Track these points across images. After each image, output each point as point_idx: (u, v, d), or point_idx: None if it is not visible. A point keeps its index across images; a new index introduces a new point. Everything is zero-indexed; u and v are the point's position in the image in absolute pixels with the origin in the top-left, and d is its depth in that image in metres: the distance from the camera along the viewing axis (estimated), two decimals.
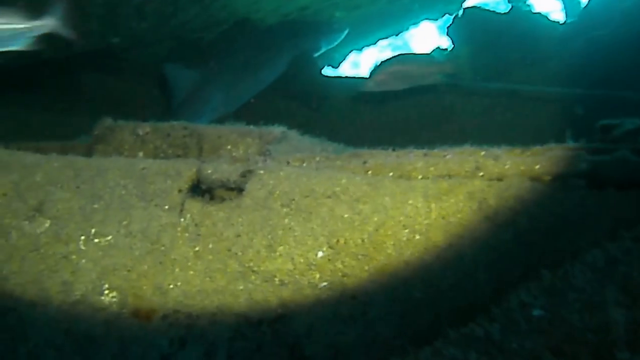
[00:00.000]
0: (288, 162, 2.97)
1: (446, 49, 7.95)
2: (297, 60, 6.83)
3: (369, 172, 2.75)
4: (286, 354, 2.50)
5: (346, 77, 8.23)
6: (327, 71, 9.01)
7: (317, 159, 2.94)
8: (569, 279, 1.81)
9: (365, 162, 2.76)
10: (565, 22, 8.34)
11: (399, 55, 6.44)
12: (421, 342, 1.98)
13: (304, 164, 2.94)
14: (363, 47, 9.83)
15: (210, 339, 2.57)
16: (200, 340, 2.57)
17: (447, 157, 2.70)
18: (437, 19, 9.87)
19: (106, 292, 2.64)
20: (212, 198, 2.84)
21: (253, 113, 6.47)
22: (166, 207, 2.78)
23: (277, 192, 2.71)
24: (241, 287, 2.61)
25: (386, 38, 9.98)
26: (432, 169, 2.66)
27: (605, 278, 1.78)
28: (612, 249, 1.89)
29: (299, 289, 2.55)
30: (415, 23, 9.76)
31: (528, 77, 7.15)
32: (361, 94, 6.72)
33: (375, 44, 9.77)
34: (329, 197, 2.64)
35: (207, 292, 2.62)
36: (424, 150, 2.79)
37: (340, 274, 2.54)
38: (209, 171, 2.85)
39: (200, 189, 2.86)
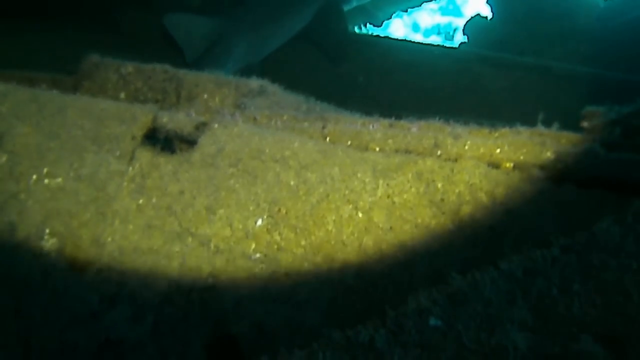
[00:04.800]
0: (255, 118, 2.75)
1: (486, 17, 7.60)
2: (322, 11, 6.48)
3: (327, 138, 2.51)
4: (210, 328, 2.32)
5: (381, 36, 7.86)
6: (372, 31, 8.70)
7: (285, 118, 2.71)
8: (478, 286, 1.54)
9: (324, 127, 2.51)
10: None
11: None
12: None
13: (271, 122, 2.71)
14: (408, 9, 9.40)
15: (140, 302, 2.42)
16: (130, 301, 2.42)
17: (412, 130, 2.42)
18: None
19: (47, 237, 2.51)
20: (167, 147, 2.66)
21: (279, 65, 6.30)
22: (117, 153, 2.63)
23: (227, 149, 2.51)
24: (177, 250, 2.43)
25: (432, 1, 9.54)
26: (390, 141, 2.41)
27: (518, 291, 1.51)
28: (536, 258, 1.61)
29: (232, 259, 2.36)
30: None
31: (561, 54, 6.73)
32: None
33: (420, 6, 9.33)
34: (277, 161, 2.43)
35: (143, 251, 2.47)
36: (390, 120, 2.53)
37: (276, 246, 2.33)
38: (165, 120, 2.67)
39: (154, 137, 2.68)
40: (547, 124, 2.54)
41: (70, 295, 2.47)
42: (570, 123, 2.59)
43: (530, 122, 2.60)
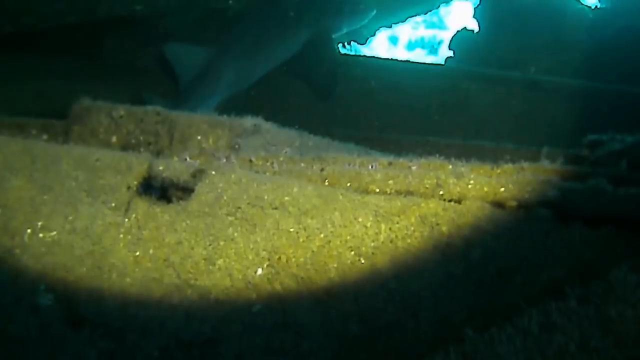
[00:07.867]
0: (251, 161, 2.70)
1: (472, 30, 7.59)
2: (312, 40, 6.46)
3: (326, 181, 2.46)
4: None
5: (367, 56, 7.84)
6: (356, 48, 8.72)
7: (281, 159, 2.66)
8: (494, 344, 1.49)
9: (322, 170, 2.46)
10: (596, 7, 7.76)
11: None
12: None
13: (268, 164, 2.67)
14: (392, 24, 9.39)
15: (139, 357, 2.36)
16: (129, 356, 2.36)
17: (412, 169, 2.38)
18: None
19: (43, 293, 2.46)
20: (163, 196, 2.61)
21: (266, 94, 6.28)
22: (113, 204, 2.58)
23: (225, 197, 2.46)
24: (176, 302, 2.38)
25: (416, 16, 9.54)
26: (391, 182, 2.36)
27: (537, 349, 1.46)
28: (552, 311, 1.56)
29: (233, 310, 2.31)
30: (447, 2, 9.33)
31: (550, 67, 6.70)
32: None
33: (404, 21, 9.33)
34: (277, 207, 2.38)
35: (141, 305, 2.41)
36: (390, 159, 2.48)
37: (277, 297, 2.27)
38: (160, 168, 2.61)
39: (150, 186, 2.63)
40: (538, 136, 2.51)
41: (68, 351, 2.41)
42: (561, 136, 2.56)
43: (520, 138, 2.57)
